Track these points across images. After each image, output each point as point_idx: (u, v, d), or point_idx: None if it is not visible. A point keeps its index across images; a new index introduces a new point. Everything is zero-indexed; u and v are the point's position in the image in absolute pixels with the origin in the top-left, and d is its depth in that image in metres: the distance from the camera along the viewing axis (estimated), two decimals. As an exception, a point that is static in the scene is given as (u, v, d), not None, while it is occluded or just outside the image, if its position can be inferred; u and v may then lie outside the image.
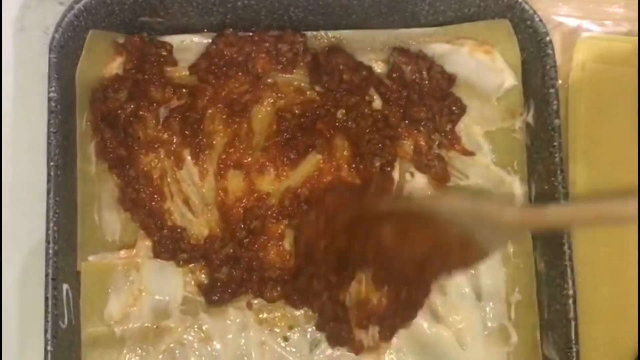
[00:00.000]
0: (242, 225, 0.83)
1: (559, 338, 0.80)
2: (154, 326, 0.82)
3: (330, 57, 0.83)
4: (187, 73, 0.85)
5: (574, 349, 0.78)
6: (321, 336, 0.82)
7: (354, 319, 0.82)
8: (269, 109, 0.85)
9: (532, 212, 0.74)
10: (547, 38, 0.81)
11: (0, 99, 0.87)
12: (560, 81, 0.82)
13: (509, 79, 0.85)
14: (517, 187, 0.85)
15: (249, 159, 0.84)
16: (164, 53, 0.84)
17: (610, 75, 0.87)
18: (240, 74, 0.85)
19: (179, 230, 0.83)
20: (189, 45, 0.86)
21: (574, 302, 0.78)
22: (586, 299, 0.82)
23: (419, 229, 0.73)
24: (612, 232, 0.85)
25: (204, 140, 0.83)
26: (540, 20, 0.81)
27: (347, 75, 0.83)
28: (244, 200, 0.83)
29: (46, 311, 0.76)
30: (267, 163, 0.84)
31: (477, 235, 0.72)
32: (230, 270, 0.82)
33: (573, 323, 0.78)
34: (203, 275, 0.83)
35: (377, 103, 0.85)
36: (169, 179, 0.83)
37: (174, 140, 0.84)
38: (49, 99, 0.78)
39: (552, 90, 0.81)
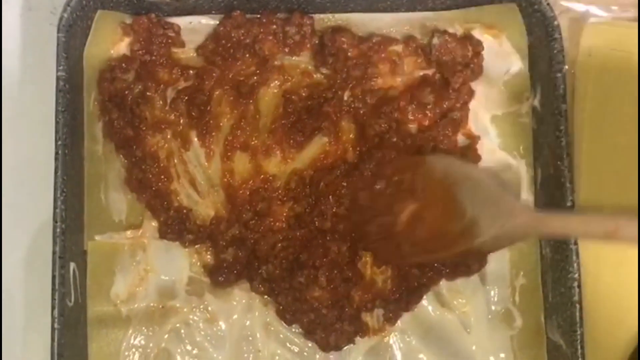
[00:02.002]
0: (248, 207, 0.83)
1: (564, 321, 0.80)
2: (160, 306, 0.82)
3: (335, 37, 0.83)
4: (195, 54, 0.86)
5: (579, 332, 0.78)
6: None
7: (359, 301, 0.82)
8: (275, 91, 0.85)
9: (542, 218, 0.75)
10: (555, 22, 0.81)
11: (4, 79, 0.87)
12: (566, 67, 0.82)
13: (516, 64, 0.85)
14: (522, 171, 0.85)
15: (256, 141, 0.84)
16: (171, 34, 0.84)
17: (617, 60, 0.87)
18: (247, 56, 0.85)
19: (185, 211, 0.83)
20: (196, 27, 0.86)
21: (579, 286, 0.79)
22: (591, 283, 0.82)
23: (436, 203, 0.75)
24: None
25: (211, 121, 0.84)
26: (548, 4, 0.81)
27: (352, 52, 0.83)
28: (250, 182, 0.84)
29: (53, 289, 0.76)
30: (273, 145, 0.84)
31: (483, 223, 0.74)
32: (236, 251, 0.82)
33: (578, 306, 0.78)
34: (209, 256, 0.83)
35: (381, 81, 0.85)
36: (175, 160, 0.84)
37: (181, 122, 0.84)
38: (57, 78, 0.78)
39: (559, 75, 0.81)
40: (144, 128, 0.83)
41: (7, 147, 0.87)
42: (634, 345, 0.83)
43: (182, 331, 0.82)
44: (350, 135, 0.84)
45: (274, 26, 0.85)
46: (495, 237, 0.75)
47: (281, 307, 0.81)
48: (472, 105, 0.85)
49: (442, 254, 0.79)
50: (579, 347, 0.78)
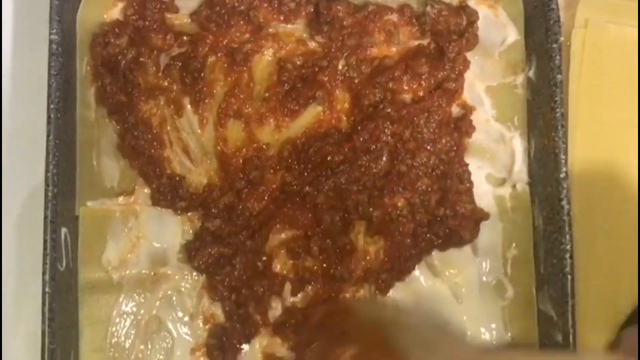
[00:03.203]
0: (241, 175, 0.83)
1: (555, 292, 0.80)
2: (152, 273, 0.82)
3: (330, 5, 0.83)
4: (189, 20, 0.85)
5: (570, 303, 0.78)
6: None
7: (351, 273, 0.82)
8: (270, 59, 0.85)
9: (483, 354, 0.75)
10: (551, -8, 0.81)
11: (1, 42, 0.86)
12: (562, 38, 0.82)
13: (512, 34, 0.85)
14: (517, 142, 0.85)
15: (249, 109, 0.84)
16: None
17: (613, 33, 0.87)
18: (241, 22, 0.84)
19: (177, 178, 0.83)
20: (190, -7, 0.85)
21: (571, 257, 0.79)
22: (583, 255, 0.83)
23: (374, 350, 0.71)
24: (610, 190, 0.85)
25: (204, 88, 0.83)
26: (545, -26, 0.81)
27: (347, 20, 0.83)
28: (243, 150, 0.83)
29: (45, 254, 0.76)
30: (267, 113, 0.84)
31: None
32: (221, 224, 0.81)
33: (569, 277, 0.79)
34: (200, 224, 0.83)
35: (376, 51, 0.85)
36: (168, 127, 0.83)
37: (174, 88, 0.83)
38: (50, 42, 0.78)
39: (554, 46, 0.80)
40: (137, 94, 0.83)
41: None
42: (625, 316, 0.84)
43: (174, 298, 0.82)
44: (345, 105, 0.84)
45: (269, -7, 0.84)
46: None
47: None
48: (467, 75, 0.85)
49: None
50: (570, 318, 0.78)
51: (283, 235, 0.83)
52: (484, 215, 0.83)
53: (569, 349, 0.77)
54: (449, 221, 0.82)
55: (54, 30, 0.78)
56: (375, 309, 0.81)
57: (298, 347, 0.80)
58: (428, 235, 0.83)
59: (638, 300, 0.83)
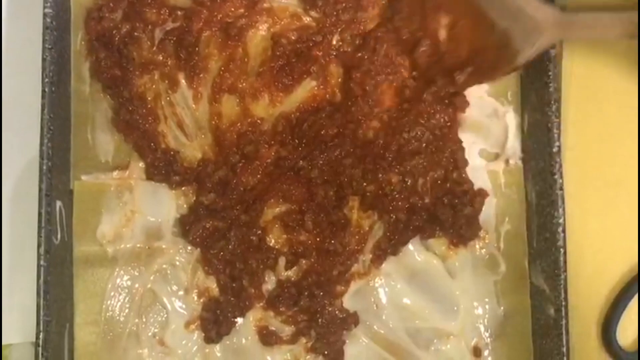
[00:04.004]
0: (236, 150, 0.83)
1: (548, 266, 0.80)
2: (146, 247, 0.82)
3: (324, -21, 0.83)
4: (183, -5, 0.85)
5: (562, 277, 0.79)
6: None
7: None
8: (264, 34, 0.85)
9: (565, 17, 0.76)
10: (545, -33, 0.81)
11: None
12: (556, 13, 0.82)
13: None
14: (510, 117, 0.85)
15: (244, 84, 0.84)
16: (159, -26, 0.84)
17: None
18: (236, -3, 0.84)
19: (172, 152, 0.83)
20: (185, -33, 0.85)
21: (564, 231, 0.79)
22: (576, 230, 0.83)
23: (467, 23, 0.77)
24: (603, 165, 0.85)
25: (199, 63, 0.83)
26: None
27: (342, -7, 0.83)
28: (237, 125, 0.83)
29: (39, 226, 0.76)
30: (261, 88, 0.84)
31: (515, 32, 0.75)
32: (215, 198, 0.82)
33: (562, 251, 0.79)
34: (195, 198, 0.83)
35: (371, 26, 0.85)
36: (162, 102, 0.83)
37: (169, 63, 0.83)
38: (45, 15, 0.78)
39: (548, 20, 0.80)
40: (132, 69, 0.83)
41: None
42: (618, 290, 0.84)
43: (168, 272, 0.83)
44: (339, 80, 0.84)
45: (264, -33, 0.84)
46: (530, 55, 0.76)
47: None
48: (461, 51, 0.85)
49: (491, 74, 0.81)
50: (562, 291, 0.79)
51: (277, 210, 0.83)
52: (482, 194, 0.84)
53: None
54: (444, 204, 0.83)
55: (49, 4, 0.78)
56: None
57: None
58: (423, 214, 0.83)
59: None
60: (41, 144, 0.77)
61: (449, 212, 0.82)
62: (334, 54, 0.84)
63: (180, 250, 0.83)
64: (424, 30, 0.81)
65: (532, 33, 0.75)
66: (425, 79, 0.82)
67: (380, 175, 0.82)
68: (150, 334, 0.82)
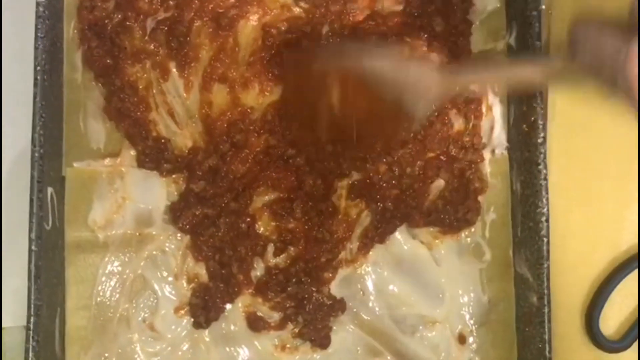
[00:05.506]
0: (226, 138, 0.84)
1: (531, 255, 0.82)
2: (137, 233, 0.84)
3: (314, -29, 0.84)
4: (175, -15, 0.86)
5: (545, 265, 0.80)
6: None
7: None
8: (255, 24, 0.85)
9: (449, 76, 0.74)
10: (532, -40, 0.82)
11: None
12: (543, 6, 0.83)
13: (493, 1, 0.86)
14: (497, 108, 0.86)
15: (234, 74, 0.85)
16: (151, -37, 0.85)
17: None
18: (227, -13, 0.85)
19: (163, 141, 0.84)
20: (176, -43, 0.86)
21: (547, 220, 0.80)
22: (560, 221, 0.84)
23: (359, 91, 0.74)
24: (589, 157, 0.87)
25: (190, 53, 0.84)
26: (525, -59, 0.82)
27: (332, -16, 0.84)
28: (228, 114, 0.84)
29: (31, 212, 0.77)
30: (251, 78, 0.85)
31: (405, 99, 0.73)
32: (205, 186, 0.83)
33: (545, 240, 0.80)
34: (185, 186, 0.84)
35: (360, 17, 0.85)
36: (154, 90, 0.84)
37: (160, 52, 0.84)
38: (37, 4, 0.79)
39: (534, 13, 0.82)
40: (123, 57, 0.84)
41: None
42: (601, 280, 0.86)
43: (158, 258, 0.84)
44: (328, 70, 0.85)
45: (255, -42, 0.85)
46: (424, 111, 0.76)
47: None
48: (448, 43, 0.86)
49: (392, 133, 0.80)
50: (544, 279, 0.80)
51: (266, 198, 0.84)
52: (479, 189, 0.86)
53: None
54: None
55: (41, -7, 0.79)
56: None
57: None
58: (410, 202, 0.84)
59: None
60: (33, 132, 0.78)
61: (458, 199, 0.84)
62: (324, 43, 0.85)
63: (170, 237, 0.84)
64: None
65: (420, 97, 0.73)
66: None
67: (367, 164, 0.83)
68: (140, 318, 0.83)
